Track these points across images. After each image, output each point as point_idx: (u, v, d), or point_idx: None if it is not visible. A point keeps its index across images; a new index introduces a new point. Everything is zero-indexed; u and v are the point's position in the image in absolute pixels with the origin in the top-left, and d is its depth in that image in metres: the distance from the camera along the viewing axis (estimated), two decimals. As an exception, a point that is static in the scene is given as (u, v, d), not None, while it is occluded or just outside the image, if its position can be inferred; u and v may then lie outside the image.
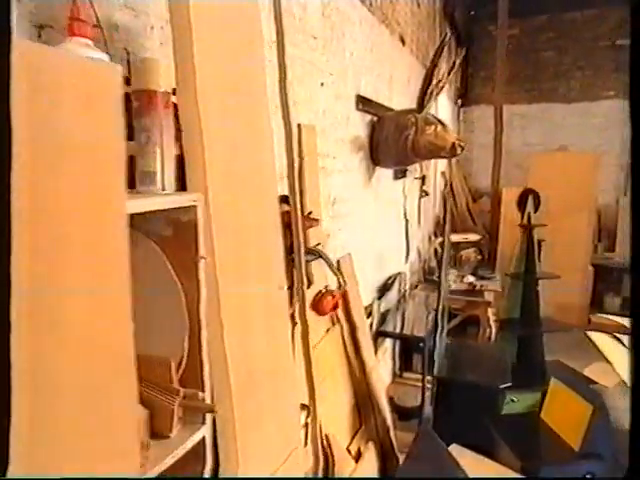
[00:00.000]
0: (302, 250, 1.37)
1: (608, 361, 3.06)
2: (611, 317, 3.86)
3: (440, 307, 2.66)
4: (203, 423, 1.03)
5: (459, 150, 2.81)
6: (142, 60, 1.11)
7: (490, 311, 4.04)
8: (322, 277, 2.16)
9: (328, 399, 2.11)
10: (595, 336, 3.38)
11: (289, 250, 1.40)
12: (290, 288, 1.48)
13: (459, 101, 7.09)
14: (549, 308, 3.84)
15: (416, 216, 4.34)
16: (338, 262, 2.68)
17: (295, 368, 1.35)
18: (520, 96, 6.87)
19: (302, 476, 1.51)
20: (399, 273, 3.74)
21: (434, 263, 4.48)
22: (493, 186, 5.05)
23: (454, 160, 6.86)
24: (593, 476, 1.91)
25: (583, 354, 3.50)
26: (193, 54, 1.06)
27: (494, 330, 3.62)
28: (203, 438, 1.03)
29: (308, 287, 1.61)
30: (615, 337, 3.20)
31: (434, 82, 2.89)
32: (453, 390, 2.19)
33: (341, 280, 1.78)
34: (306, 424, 1.91)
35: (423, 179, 4.33)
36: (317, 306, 1.63)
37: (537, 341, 2.98)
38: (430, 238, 4.66)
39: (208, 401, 1.04)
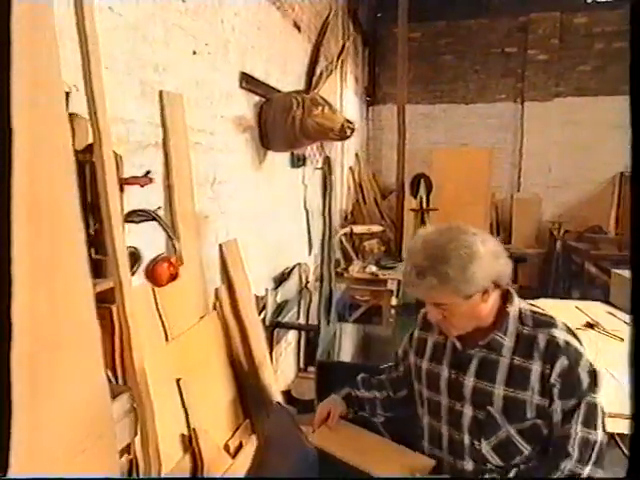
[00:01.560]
0: (115, 211, 1.18)
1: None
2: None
3: (325, 294, 2.58)
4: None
5: (348, 132, 2.76)
6: None
7: (394, 300, 4.07)
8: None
9: (202, 391, 1.93)
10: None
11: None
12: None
13: (367, 99, 7.23)
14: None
15: (320, 208, 4.27)
16: (221, 247, 2.51)
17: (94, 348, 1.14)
18: (424, 96, 7.14)
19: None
20: (298, 264, 3.63)
21: (339, 255, 4.45)
22: (398, 182, 5.16)
23: (363, 156, 6.97)
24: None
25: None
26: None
27: (392, 316, 3.63)
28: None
29: (134, 259, 1.41)
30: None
31: (323, 64, 2.82)
32: (334, 373, 2.10)
33: (177, 245, 1.61)
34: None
35: (328, 170, 4.28)
36: (152, 276, 1.44)
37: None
38: (336, 231, 4.62)
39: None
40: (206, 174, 2.34)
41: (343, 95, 5.46)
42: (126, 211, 1.39)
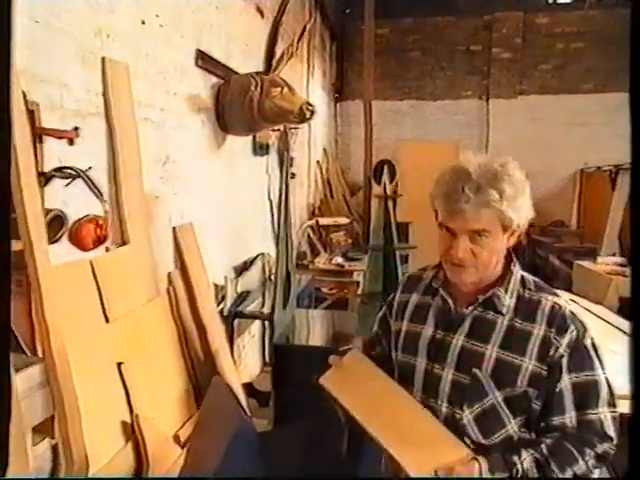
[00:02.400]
0: (27, 161, 1.06)
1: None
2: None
3: (281, 278, 2.50)
4: None
5: (308, 114, 2.69)
6: None
7: (360, 290, 4.02)
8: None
9: (149, 378, 1.81)
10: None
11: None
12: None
13: (336, 95, 7.20)
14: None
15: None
16: (174, 230, 2.40)
17: None
18: (392, 93, 7.17)
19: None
20: (262, 254, 3.54)
21: (306, 248, 4.37)
22: (365, 177, 5.13)
23: (331, 151, 6.92)
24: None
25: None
26: None
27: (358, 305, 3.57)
28: None
29: (60, 223, 1.28)
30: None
31: (284, 45, 2.75)
32: (291, 356, 2.02)
33: (106, 206, 1.50)
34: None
35: (291, 160, 4.21)
36: (76, 238, 1.32)
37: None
38: (302, 224, 4.55)
39: None
40: (157, 152, 2.22)
41: (310, 88, 5.41)
42: (51, 168, 1.27)
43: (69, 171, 1.34)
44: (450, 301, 1.11)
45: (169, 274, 2.29)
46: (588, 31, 6.78)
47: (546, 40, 6.84)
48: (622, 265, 4.67)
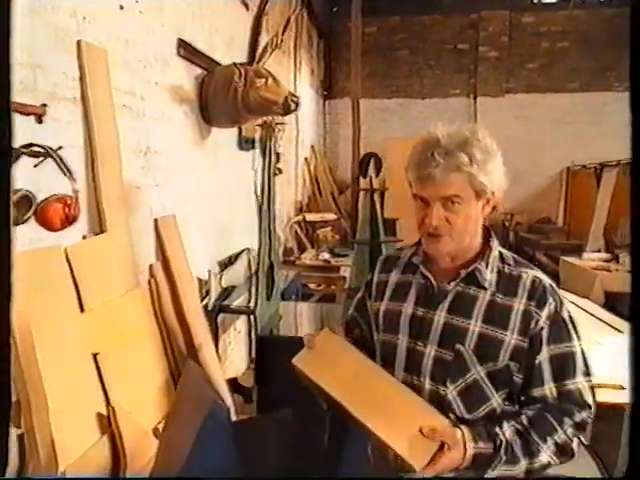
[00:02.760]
0: None
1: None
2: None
3: (264, 269, 2.47)
4: None
5: (293, 106, 2.66)
6: None
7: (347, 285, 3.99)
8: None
9: (127, 370, 1.76)
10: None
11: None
12: None
13: (324, 93, 7.18)
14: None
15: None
16: (156, 221, 2.35)
17: None
18: (380, 91, 7.17)
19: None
20: (247, 249, 3.49)
21: (294, 244, 4.34)
22: (352, 175, 5.11)
23: (320, 149, 6.90)
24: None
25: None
26: None
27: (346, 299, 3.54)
28: None
29: (28, 203, 1.23)
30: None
31: (267, 36, 2.71)
32: (274, 348, 1.99)
33: (75, 185, 1.45)
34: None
35: (277, 156, 4.17)
36: (42, 217, 1.26)
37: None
38: (289, 220, 4.51)
39: None
40: (137, 141, 2.18)
41: (297, 84, 5.38)
42: (20, 144, 1.22)
43: (38, 149, 1.29)
44: (431, 277, 1.09)
45: (150, 266, 2.25)
46: (573, 31, 6.85)
47: (532, 39, 6.90)
48: (607, 261, 4.72)
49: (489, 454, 0.96)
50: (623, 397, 1.96)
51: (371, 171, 2.95)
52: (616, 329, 2.72)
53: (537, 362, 1.01)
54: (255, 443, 1.07)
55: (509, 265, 1.07)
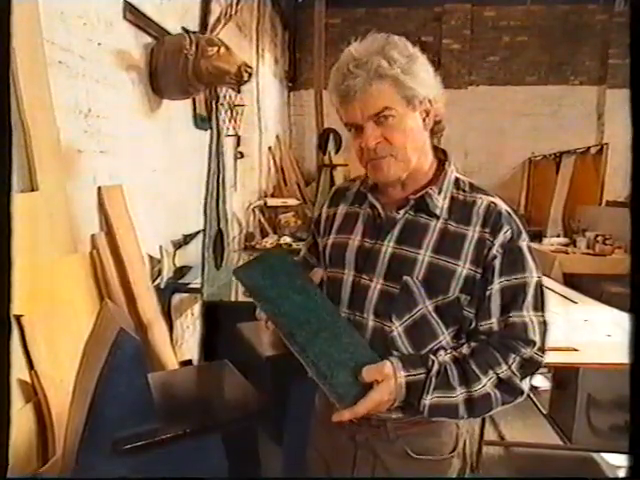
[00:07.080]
0: None
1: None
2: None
3: (211, 234, 2.40)
4: None
5: (246, 76, 2.58)
6: None
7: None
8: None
9: (59, 338, 1.64)
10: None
11: None
12: None
13: (289, 85, 7.12)
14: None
15: (232, 179, 4.05)
16: (100, 190, 2.22)
17: None
18: (345, 83, 7.15)
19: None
20: (203, 230, 3.37)
21: (252, 229, 4.24)
22: (318, 161, 5.06)
23: (285, 140, 6.82)
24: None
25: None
26: None
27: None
28: None
29: None
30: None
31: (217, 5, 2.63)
32: (221, 314, 1.90)
33: None
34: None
35: (238, 139, 4.08)
36: None
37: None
38: (250, 204, 4.41)
39: None
40: (75, 102, 2.05)
41: (259, 72, 5.29)
42: None
43: None
44: (379, 206, 1.02)
45: (93, 236, 2.12)
46: (531, 25, 7.02)
47: (493, 33, 7.04)
48: (565, 245, 4.86)
49: (421, 380, 0.90)
50: (576, 358, 2.02)
51: (331, 147, 2.89)
52: (571, 300, 2.82)
53: (487, 294, 0.94)
54: (180, 391, 0.99)
55: (464, 191, 1.00)
